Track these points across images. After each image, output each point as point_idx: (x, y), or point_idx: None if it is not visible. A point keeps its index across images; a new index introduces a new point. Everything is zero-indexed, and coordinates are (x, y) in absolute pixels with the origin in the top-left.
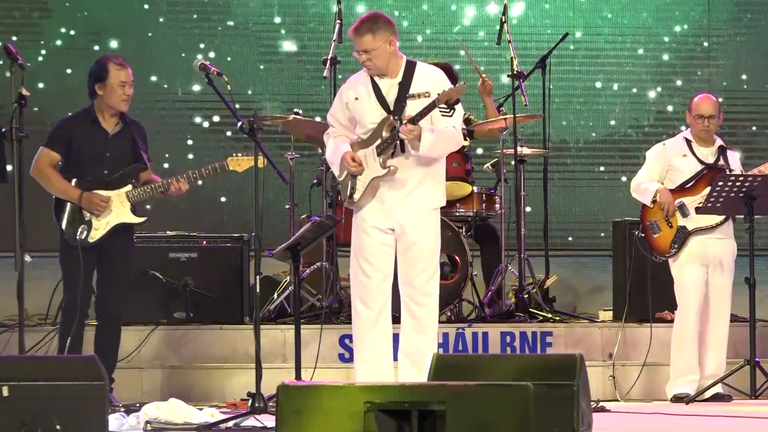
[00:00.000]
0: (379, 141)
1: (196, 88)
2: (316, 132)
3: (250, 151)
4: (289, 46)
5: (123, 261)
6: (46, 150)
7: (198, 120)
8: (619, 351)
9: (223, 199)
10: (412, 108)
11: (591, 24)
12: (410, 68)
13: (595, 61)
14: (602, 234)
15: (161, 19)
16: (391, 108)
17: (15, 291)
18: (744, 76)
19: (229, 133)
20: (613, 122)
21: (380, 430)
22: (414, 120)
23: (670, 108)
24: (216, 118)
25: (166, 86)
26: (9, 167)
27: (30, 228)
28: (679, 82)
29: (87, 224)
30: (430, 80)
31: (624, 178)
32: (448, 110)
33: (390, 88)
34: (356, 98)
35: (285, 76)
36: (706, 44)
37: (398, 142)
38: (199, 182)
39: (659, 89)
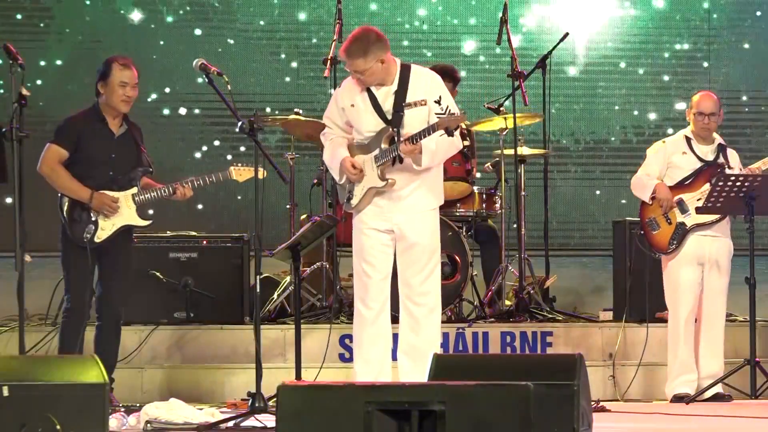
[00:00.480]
0: (377, 152)
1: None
2: (316, 132)
3: (251, 162)
4: (289, 46)
5: (124, 261)
6: (54, 146)
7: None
8: (619, 351)
9: (223, 199)
10: (409, 117)
11: (591, 24)
12: (405, 74)
13: (595, 61)
14: (602, 234)
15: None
16: (389, 117)
17: (15, 291)
18: (743, 84)
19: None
20: (612, 122)
21: (380, 430)
22: (413, 139)
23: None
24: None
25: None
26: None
27: (30, 228)
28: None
29: (94, 224)
30: (424, 86)
31: (625, 178)
32: (444, 113)
33: (386, 97)
34: (352, 105)
35: (285, 76)
36: (706, 46)
37: (398, 155)
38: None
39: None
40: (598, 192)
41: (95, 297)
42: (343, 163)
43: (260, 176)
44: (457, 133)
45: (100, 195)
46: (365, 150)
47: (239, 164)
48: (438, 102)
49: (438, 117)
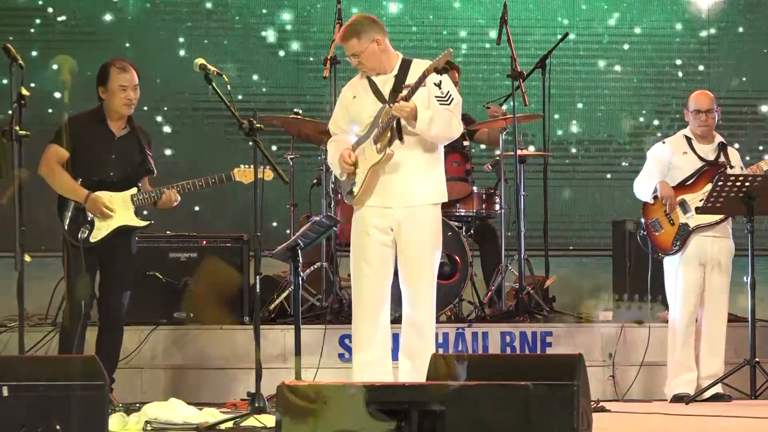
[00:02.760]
0: (376, 130)
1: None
2: (316, 132)
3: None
4: (289, 46)
5: (124, 262)
6: (54, 147)
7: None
8: (619, 351)
9: (223, 199)
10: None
11: (590, 25)
12: (406, 64)
13: (596, 61)
14: (602, 234)
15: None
16: (387, 98)
17: (15, 291)
18: (744, 78)
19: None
20: (612, 122)
21: (380, 430)
22: (406, 97)
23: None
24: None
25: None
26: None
27: (30, 228)
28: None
29: (90, 224)
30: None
31: (624, 178)
32: (445, 99)
33: (386, 82)
34: (354, 97)
35: (285, 76)
36: (705, 46)
37: (397, 131)
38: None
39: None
40: (597, 192)
41: (97, 297)
42: (341, 155)
43: (266, 178)
44: (458, 116)
45: (95, 198)
46: (365, 138)
47: (243, 165)
48: (438, 85)
49: (438, 100)
